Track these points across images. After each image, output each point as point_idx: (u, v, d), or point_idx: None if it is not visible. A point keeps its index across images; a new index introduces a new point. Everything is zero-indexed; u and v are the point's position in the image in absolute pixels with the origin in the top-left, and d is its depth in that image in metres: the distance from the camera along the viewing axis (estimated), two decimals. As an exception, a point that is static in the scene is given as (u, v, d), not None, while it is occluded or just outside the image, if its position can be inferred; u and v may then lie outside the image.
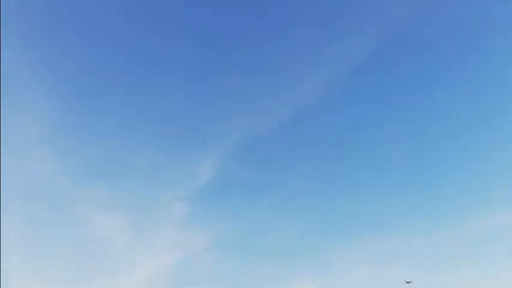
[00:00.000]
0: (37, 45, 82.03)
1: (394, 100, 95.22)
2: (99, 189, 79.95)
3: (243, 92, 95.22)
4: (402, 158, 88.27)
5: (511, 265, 68.31)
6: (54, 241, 73.26)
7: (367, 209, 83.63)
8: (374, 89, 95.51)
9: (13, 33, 72.01)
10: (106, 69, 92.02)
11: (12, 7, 69.29)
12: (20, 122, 77.61)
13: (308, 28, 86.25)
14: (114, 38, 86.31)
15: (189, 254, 79.28)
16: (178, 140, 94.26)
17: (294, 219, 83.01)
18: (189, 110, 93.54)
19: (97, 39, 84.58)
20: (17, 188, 73.74)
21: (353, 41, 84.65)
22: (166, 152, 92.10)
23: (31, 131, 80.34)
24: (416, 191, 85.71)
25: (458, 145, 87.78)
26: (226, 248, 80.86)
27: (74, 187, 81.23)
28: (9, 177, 67.37)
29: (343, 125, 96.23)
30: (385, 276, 71.86)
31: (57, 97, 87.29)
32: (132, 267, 73.83)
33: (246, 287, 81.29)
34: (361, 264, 78.97)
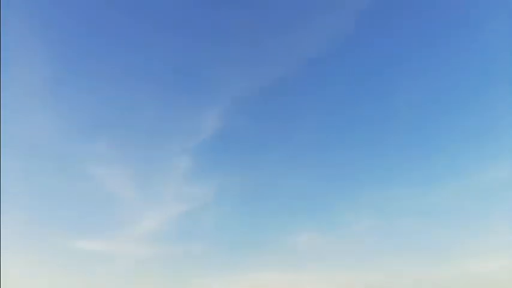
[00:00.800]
0: (37, 3, 78.13)
1: (404, 52, 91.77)
2: (100, 144, 79.27)
3: (250, 40, 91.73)
4: (411, 110, 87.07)
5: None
6: (55, 195, 74.06)
7: (371, 162, 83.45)
8: (385, 38, 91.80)
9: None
10: (106, 25, 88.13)
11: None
12: (19, 75, 76.27)
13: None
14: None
15: (194, 207, 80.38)
16: (181, 92, 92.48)
17: (300, 173, 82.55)
18: (193, 60, 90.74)
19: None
20: (14, 142, 73.78)
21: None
22: (169, 104, 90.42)
23: (29, 84, 79.27)
24: (423, 143, 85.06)
25: (464, 94, 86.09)
26: (232, 201, 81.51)
27: (74, 141, 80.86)
28: (7, 130, 66.97)
29: (352, 77, 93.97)
30: (393, 228, 72.72)
31: (57, 52, 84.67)
32: (137, 221, 74.90)
33: (253, 238, 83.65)
34: (366, 218, 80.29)
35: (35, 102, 78.87)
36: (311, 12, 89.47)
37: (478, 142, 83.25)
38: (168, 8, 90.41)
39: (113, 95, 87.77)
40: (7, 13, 67.56)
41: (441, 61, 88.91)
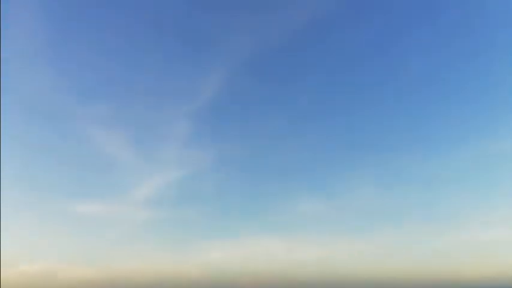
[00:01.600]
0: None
1: (412, 12, 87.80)
2: (100, 105, 78.31)
3: (251, 7, 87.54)
4: (414, 76, 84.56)
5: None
6: (55, 157, 73.63)
7: (374, 128, 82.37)
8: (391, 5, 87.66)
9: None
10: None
11: None
12: (19, 35, 73.49)
13: None
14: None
15: (195, 171, 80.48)
16: (181, 56, 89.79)
17: (302, 138, 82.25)
18: (194, 24, 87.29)
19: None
20: (14, 102, 72.23)
21: None
22: (170, 67, 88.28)
23: (30, 44, 76.45)
24: (427, 110, 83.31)
25: (469, 62, 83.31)
26: (233, 165, 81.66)
27: (73, 103, 79.46)
28: (6, 90, 65.34)
29: (356, 40, 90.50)
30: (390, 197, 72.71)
31: (57, 14, 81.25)
32: (137, 184, 75.57)
33: (252, 204, 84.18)
34: (366, 185, 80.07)
35: (35, 63, 77.07)
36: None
37: (482, 111, 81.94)
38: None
39: (114, 58, 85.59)
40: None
41: (445, 30, 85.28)
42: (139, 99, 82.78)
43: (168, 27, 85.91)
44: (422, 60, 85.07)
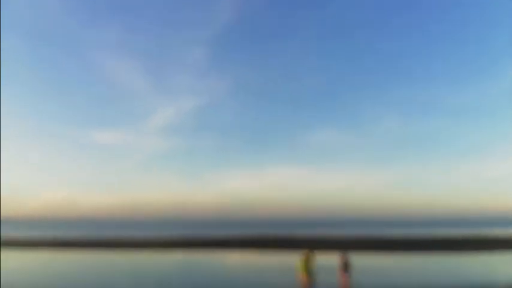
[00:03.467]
0: None
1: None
2: (111, 31, 77.30)
3: None
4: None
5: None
6: (66, 85, 72.03)
7: (395, 57, 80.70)
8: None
9: None
10: None
11: None
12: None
13: None
14: None
15: (209, 100, 78.61)
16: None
17: (321, 65, 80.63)
18: None
19: None
20: (18, 26, 71.69)
21: None
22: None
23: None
24: (449, 37, 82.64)
25: None
26: (250, 93, 79.71)
27: (84, 27, 78.87)
28: (8, 15, 65.91)
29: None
30: (414, 128, 70.23)
31: None
32: (151, 114, 73.43)
33: (270, 133, 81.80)
34: (389, 116, 78.38)
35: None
36: None
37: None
38: None
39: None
40: None
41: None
42: (152, 25, 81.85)
43: None
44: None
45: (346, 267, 13.49)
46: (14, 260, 25.40)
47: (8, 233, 61.99)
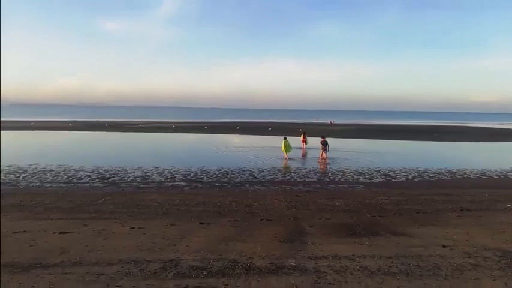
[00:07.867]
0: None
1: None
2: None
3: None
4: None
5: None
6: None
7: None
8: None
9: None
10: None
11: None
12: None
13: None
14: None
15: None
16: None
17: None
18: None
19: None
20: None
21: None
22: None
23: None
24: None
25: None
26: None
27: None
28: None
29: None
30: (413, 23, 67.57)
31: None
32: (159, 3, 72.77)
33: (275, 26, 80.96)
34: (391, 9, 75.64)
35: None
36: None
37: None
38: None
39: None
40: None
41: None
42: None
43: None
44: None
45: (324, 145, 19.17)
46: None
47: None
